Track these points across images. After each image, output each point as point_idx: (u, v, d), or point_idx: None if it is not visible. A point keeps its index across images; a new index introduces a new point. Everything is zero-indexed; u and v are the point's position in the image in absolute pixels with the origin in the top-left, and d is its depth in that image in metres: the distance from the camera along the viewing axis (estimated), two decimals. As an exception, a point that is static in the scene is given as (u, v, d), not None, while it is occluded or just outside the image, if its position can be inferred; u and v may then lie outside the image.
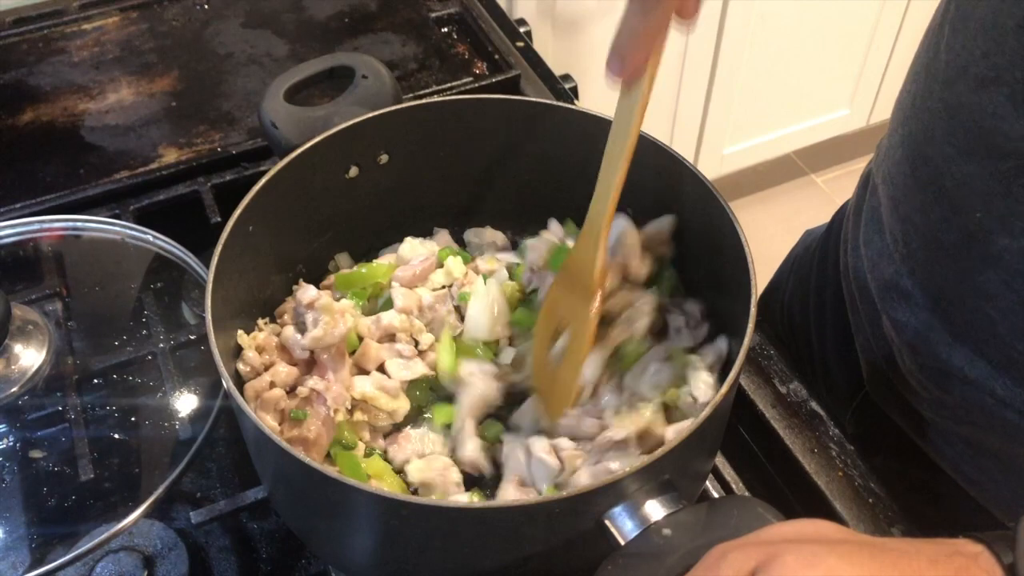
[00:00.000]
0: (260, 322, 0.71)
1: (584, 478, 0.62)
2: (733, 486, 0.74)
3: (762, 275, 0.69)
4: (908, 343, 0.70)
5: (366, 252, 0.80)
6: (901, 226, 0.69)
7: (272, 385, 0.66)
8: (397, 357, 0.71)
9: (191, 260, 0.77)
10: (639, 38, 0.53)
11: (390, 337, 0.72)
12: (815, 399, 0.78)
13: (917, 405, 0.74)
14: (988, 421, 0.67)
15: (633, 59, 0.54)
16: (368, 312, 0.74)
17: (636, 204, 0.76)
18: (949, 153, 0.61)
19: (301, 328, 0.68)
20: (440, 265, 0.77)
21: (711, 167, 2.29)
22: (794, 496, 0.74)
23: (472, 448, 0.67)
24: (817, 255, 0.92)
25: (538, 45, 1.12)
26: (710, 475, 0.72)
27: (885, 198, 0.71)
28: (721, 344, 0.68)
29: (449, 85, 1.05)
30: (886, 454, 0.80)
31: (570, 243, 0.77)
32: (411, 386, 0.70)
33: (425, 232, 0.82)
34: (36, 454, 0.71)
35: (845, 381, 0.85)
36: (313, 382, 0.66)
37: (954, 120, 0.60)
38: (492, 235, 0.82)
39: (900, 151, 0.68)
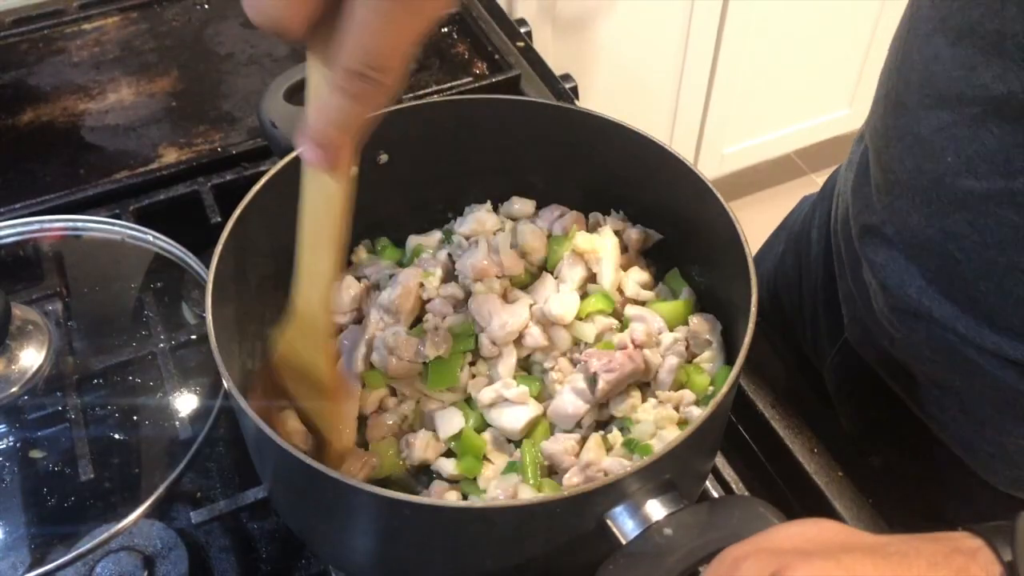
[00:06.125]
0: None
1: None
2: (733, 486, 0.74)
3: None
4: (883, 285, 0.74)
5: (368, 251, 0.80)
6: (883, 175, 0.73)
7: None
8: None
9: (191, 260, 0.77)
10: (339, 128, 0.46)
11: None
12: (814, 398, 0.78)
13: (889, 347, 0.78)
14: (950, 359, 0.71)
15: (334, 147, 0.47)
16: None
17: (635, 204, 0.76)
18: (925, 102, 0.66)
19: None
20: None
21: (711, 167, 2.29)
22: (794, 496, 0.74)
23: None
24: (810, 212, 0.97)
25: (538, 45, 1.12)
26: (710, 475, 0.72)
27: (871, 151, 0.76)
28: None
29: (449, 85, 1.05)
30: (861, 397, 0.86)
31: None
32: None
33: (422, 230, 0.82)
34: (36, 454, 0.71)
35: (828, 329, 0.91)
36: None
37: (929, 71, 0.65)
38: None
39: (883, 103, 0.73)
